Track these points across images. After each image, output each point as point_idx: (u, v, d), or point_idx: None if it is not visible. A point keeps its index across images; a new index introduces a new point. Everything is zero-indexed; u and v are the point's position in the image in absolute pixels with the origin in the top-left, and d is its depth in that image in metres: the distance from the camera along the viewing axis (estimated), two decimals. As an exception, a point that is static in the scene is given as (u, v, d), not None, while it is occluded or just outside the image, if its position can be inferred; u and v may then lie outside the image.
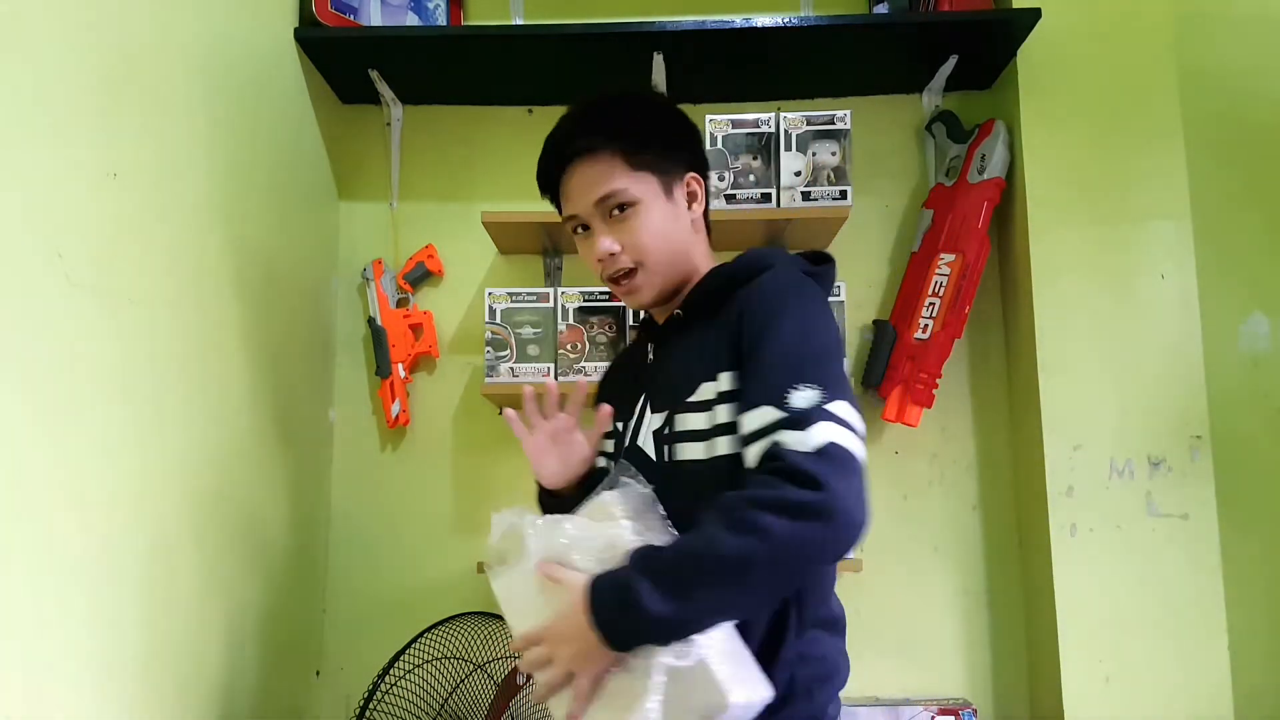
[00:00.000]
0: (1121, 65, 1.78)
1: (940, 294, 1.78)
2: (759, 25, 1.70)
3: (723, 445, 0.98)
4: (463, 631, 1.55)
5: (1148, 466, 1.69)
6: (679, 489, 0.99)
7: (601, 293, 1.75)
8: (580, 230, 1.10)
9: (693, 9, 1.90)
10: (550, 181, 1.13)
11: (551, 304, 1.75)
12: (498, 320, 1.75)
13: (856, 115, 1.78)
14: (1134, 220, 1.75)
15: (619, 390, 1.17)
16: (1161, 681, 1.63)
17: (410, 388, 1.90)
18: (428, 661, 1.46)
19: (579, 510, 0.99)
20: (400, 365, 1.86)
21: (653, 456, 1.05)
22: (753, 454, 0.89)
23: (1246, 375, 1.59)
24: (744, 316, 0.99)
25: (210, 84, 1.37)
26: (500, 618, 1.59)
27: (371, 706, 1.33)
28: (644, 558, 0.87)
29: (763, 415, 0.89)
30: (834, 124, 1.75)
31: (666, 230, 1.07)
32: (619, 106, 1.11)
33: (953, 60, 1.81)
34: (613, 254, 1.06)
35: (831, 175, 1.75)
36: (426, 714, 1.44)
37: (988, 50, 1.80)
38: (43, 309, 0.98)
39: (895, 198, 1.94)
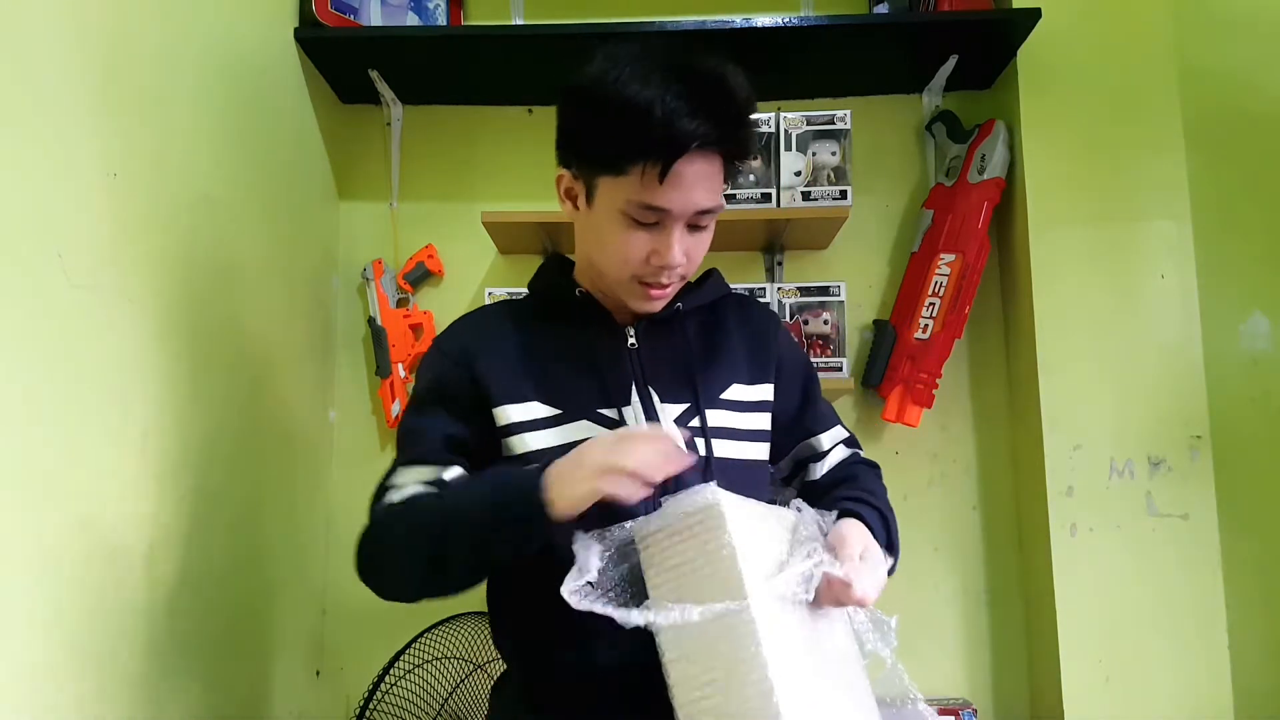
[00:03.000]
0: (1122, 65, 1.78)
1: (940, 294, 1.78)
2: (759, 25, 1.70)
3: (756, 450, 1.07)
4: (463, 631, 1.55)
5: (1148, 466, 1.69)
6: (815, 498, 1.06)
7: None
8: (639, 213, 0.92)
9: (693, 9, 1.90)
10: (663, 136, 0.86)
11: (551, 304, 1.75)
12: (498, 320, 1.74)
13: (856, 115, 1.78)
14: (1134, 220, 1.75)
15: (565, 370, 1.02)
16: (1161, 681, 1.63)
17: (410, 388, 1.90)
18: (428, 661, 1.47)
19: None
20: (400, 365, 1.86)
21: (682, 447, 1.02)
22: (837, 455, 1.14)
23: (1246, 375, 1.59)
24: (785, 351, 1.14)
25: (210, 84, 1.37)
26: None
27: (371, 706, 1.33)
28: (873, 505, 1.02)
29: (836, 433, 1.16)
30: (834, 124, 1.75)
31: None
32: (752, 105, 0.95)
33: (953, 60, 1.81)
34: (678, 265, 0.95)
35: (831, 175, 1.75)
36: (426, 714, 1.44)
37: (988, 50, 1.80)
38: (42, 309, 0.98)
39: (895, 198, 1.94)
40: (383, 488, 0.99)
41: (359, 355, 1.93)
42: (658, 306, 1.01)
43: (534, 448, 0.98)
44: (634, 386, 1.02)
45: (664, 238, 0.93)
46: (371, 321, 1.89)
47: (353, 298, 1.95)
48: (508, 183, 1.96)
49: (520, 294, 1.77)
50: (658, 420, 1.01)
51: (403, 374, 1.87)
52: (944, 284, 1.78)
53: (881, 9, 1.86)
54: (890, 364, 1.81)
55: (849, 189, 1.74)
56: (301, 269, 1.75)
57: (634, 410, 1.00)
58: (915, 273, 1.84)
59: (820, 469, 1.13)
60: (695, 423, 1.02)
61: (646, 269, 0.95)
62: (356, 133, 1.97)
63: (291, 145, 1.71)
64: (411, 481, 0.97)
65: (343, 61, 1.81)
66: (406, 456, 1.00)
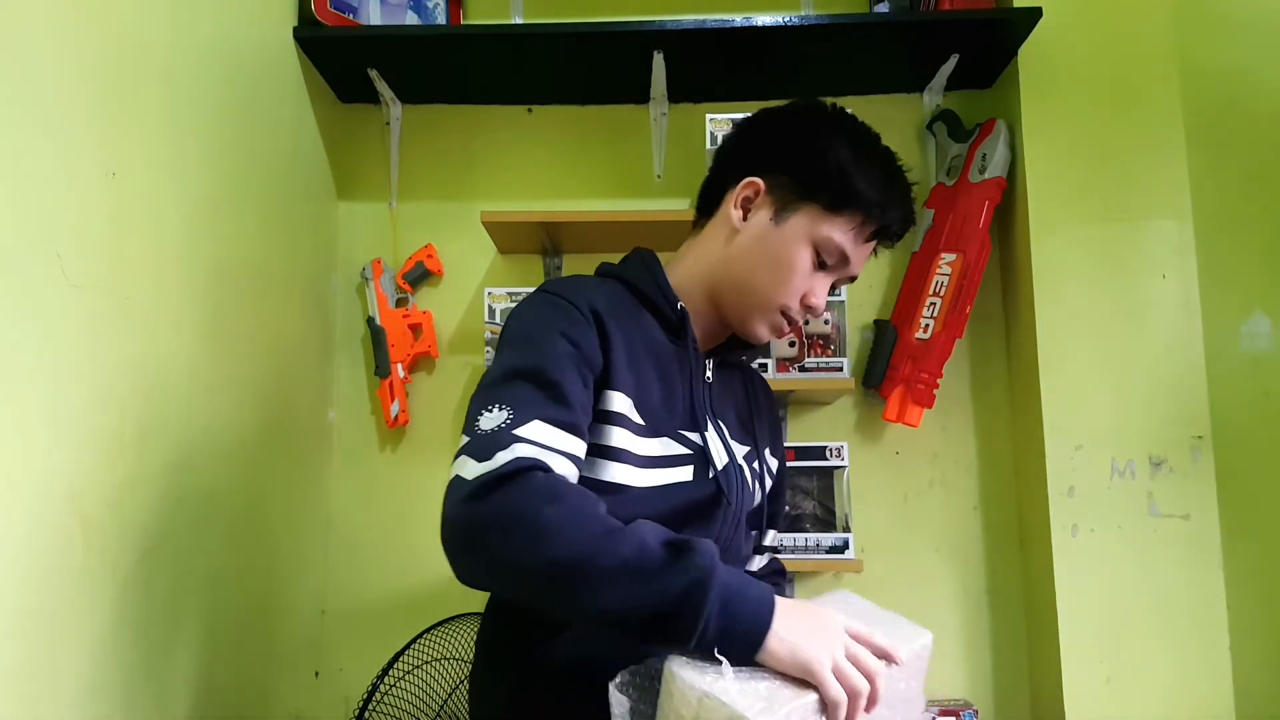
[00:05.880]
0: (1122, 64, 1.78)
1: (941, 294, 1.77)
2: (759, 24, 1.69)
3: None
4: (463, 632, 1.55)
5: (1149, 467, 1.69)
6: (738, 529, 1.05)
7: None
8: (821, 266, 1.00)
9: (693, 8, 1.89)
10: (900, 207, 1.00)
11: (551, 304, 1.74)
12: (497, 320, 1.74)
13: (857, 114, 1.77)
14: (1135, 220, 1.75)
15: (655, 378, 0.98)
16: (1162, 682, 1.63)
17: (409, 388, 1.90)
18: (427, 662, 1.46)
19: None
20: (399, 365, 1.86)
21: (738, 485, 1.04)
22: (763, 560, 1.17)
23: (1248, 375, 1.59)
24: (779, 432, 1.21)
25: (209, 83, 1.37)
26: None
27: (371, 707, 1.33)
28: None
29: (774, 536, 1.20)
30: (834, 123, 1.75)
31: None
32: None
33: (953, 59, 1.81)
34: (820, 312, 1.04)
35: (832, 175, 1.75)
36: (426, 715, 1.44)
37: (988, 49, 1.80)
38: (42, 309, 0.98)
39: (896, 197, 1.94)
40: (510, 432, 0.79)
41: (358, 355, 1.93)
42: (767, 338, 1.03)
43: (617, 445, 0.91)
44: (704, 415, 1.02)
45: (823, 284, 1.00)
46: (371, 321, 1.88)
47: (352, 297, 1.94)
48: (507, 182, 1.96)
49: (520, 293, 1.81)
50: (731, 450, 1.04)
51: (402, 374, 1.86)
52: (945, 284, 1.77)
53: (882, 8, 1.85)
54: (891, 364, 1.81)
55: (849, 189, 1.73)
56: (300, 269, 1.74)
57: (713, 438, 1.01)
58: (916, 272, 1.84)
59: (753, 564, 1.17)
60: (756, 465, 1.10)
61: (796, 303, 1.00)
62: (356, 132, 1.97)
63: (290, 145, 1.71)
64: (559, 447, 0.82)
65: (342, 61, 1.80)
66: (542, 410, 0.82)
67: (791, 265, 0.97)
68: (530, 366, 0.85)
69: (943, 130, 1.88)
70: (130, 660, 1.13)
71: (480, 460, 0.77)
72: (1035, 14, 1.68)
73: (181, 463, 1.26)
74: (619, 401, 0.92)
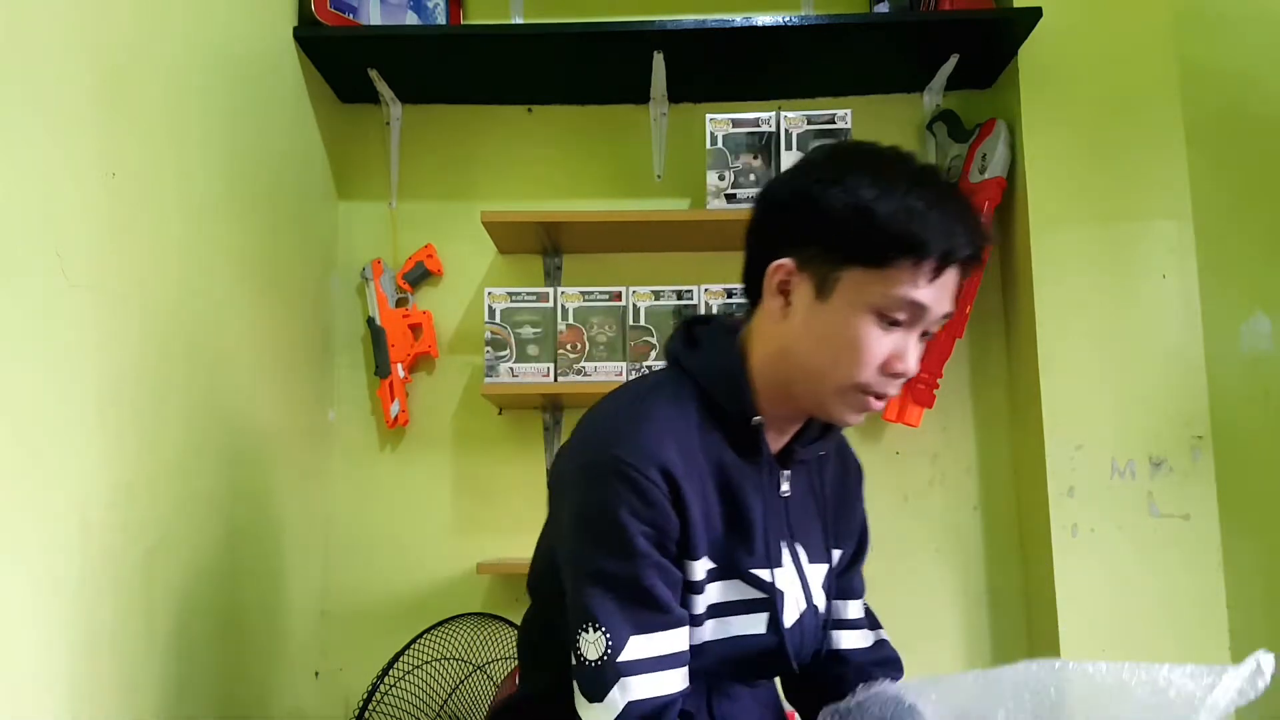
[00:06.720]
0: (1122, 65, 1.78)
1: (941, 294, 1.77)
2: (759, 24, 1.69)
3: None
4: (462, 632, 1.55)
5: (1149, 467, 1.69)
6: (839, 669, 1.02)
7: (601, 292, 1.75)
8: (893, 321, 0.84)
9: (693, 8, 1.89)
10: (943, 234, 0.82)
11: (551, 304, 1.74)
12: (497, 320, 1.74)
13: (857, 114, 1.78)
14: (1135, 220, 1.75)
15: (728, 512, 0.90)
16: (1163, 682, 1.62)
17: (409, 388, 1.90)
18: (427, 662, 1.46)
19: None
20: (399, 365, 1.86)
21: (812, 637, 0.97)
22: (864, 635, 1.06)
23: (1248, 375, 1.59)
24: (859, 506, 1.06)
25: (209, 83, 1.37)
26: (499, 618, 1.59)
27: (371, 707, 1.33)
28: None
29: (861, 607, 1.08)
30: (834, 123, 1.75)
31: None
32: None
33: (953, 59, 1.81)
34: (913, 372, 0.86)
35: (832, 175, 1.75)
36: (426, 715, 1.44)
37: (988, 50, 1.80)
38: (42, 309, 0.98)
39: (896, 197, 1.94)
40: (614, 662, 0.81)
41: (358, 355, 1.93)
42: (855, 421, 0.90)
43: (691, 612, 0.87)
44: (784, 544, 0.94)
45: (906, 340, 0.85)
46: (371, 321, 1.88)
47: (352, 297, 1.94)
48: (507, 182, 1.96)
49: (520, 293, 1.80)
50: (807, 583, 0.95)
51: (402, 374, 1.86)
52: (945, 284, 1.77)
53: (882, 8, 1.85)
54: (891, 364, 1.81)
55: (849, 189, 1.73)
56: (300, 268, 1.74)
57: (787, 574, 0.93)
58: (916, 272, 1.84)
59: (856, 633, 1.06)
60: (824, 582, 1.00)
61: (877, 376, 0.85)
62: (356, 132, 1.97)
63: (290, 144, 1.71)
64: (663, 653, 0.83)
65: (342, 61, 1.80)
66: (638, 622, 0.82)
67: (854, 342, 0.84)
68: (616, 572, 0.83)
69: (943, 130, 1.88)
70: (131, 660, 1.13)
71: (593, 700, 0.81)
72: (1035, 14, 1.68)
73: (182, 463, 1.26)
74: (699, 569, 0.87)
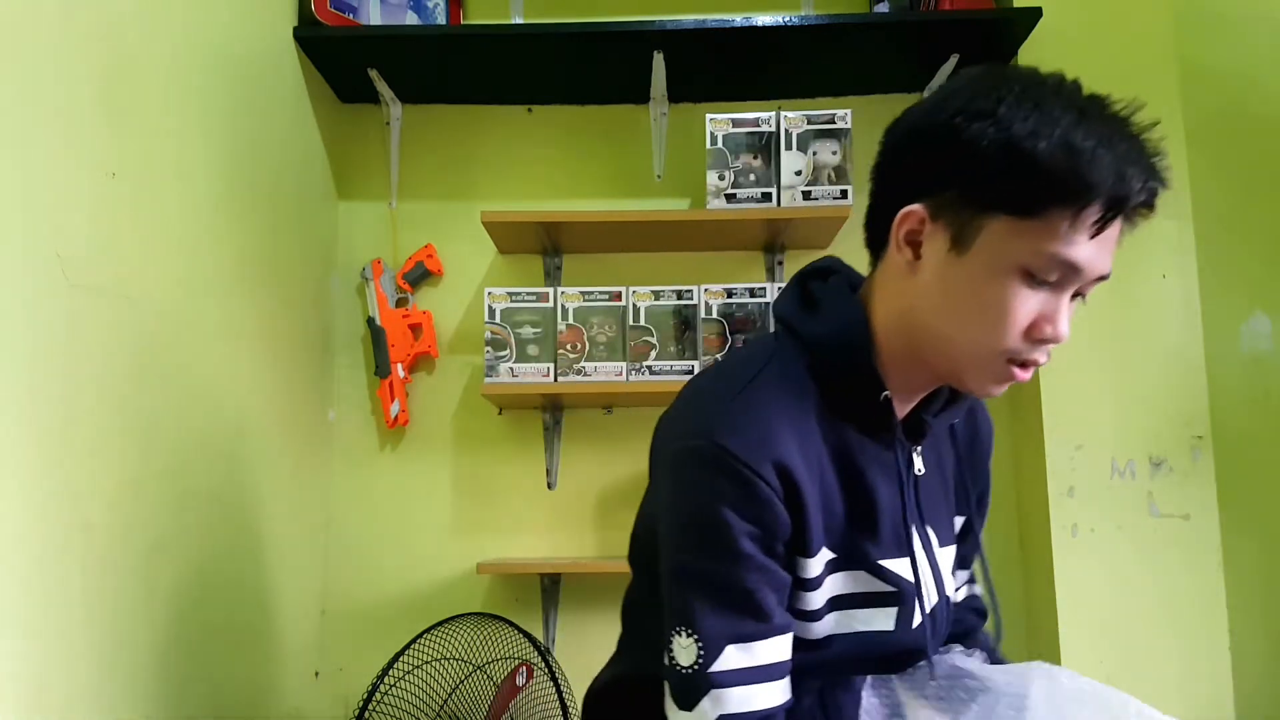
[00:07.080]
0: (1122, 65, 1.78)
1: (941, 294, 1.77)
2: (759, 24, 1.69)
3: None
4: (462, 632, 1.55)
5: (1149, 467, 1.69)
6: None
7: (601, 292, 1.75)
8: (1045, 268, 0.72)
9: (693, 8, 1.89)
10: (1115, 182, 0.70)
11: (551, 304, 1.74)
12: (497, 320, 1.74)
13: (857, 114, 1.77)
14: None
15: (853, 501, 0.82)
16: (1162, 681, 1.62)
17: (409, 388, 1.90)
18: (427, 662, 1.46)
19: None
20: (399, 365, 1.86)
21: (944, 627, 0.93)
22: (970, 591, 1.06)
23: (1248, 375, 1.59)
24: (983, 462, 1.01)
25: (209, 83, 1.37)
26: (499, 618, 1.59)
27: (371, 707, 1.33)
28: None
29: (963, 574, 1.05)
30: (835, 123, 1.75)
31: None
32: None
33: (953, 59, 1.81)
34: (1064, 338, 0.75)
35: (832, 174, 1.75)
36: (426, 715, 1.44)
37: (988, 50, 1.79)
38: (42, 309, 0.98)
39: (896, 197, 1.94)
40: (706, 673, 0.75)
41: (358, 355, 1.93)
42: (998, 392, 0.79)
43: (807, 608, 0.81)
44: (914, 528, 0.85)
45: (1058, 301, 0.73)
46: (371, 321, 1.88)
47: (352, 297, 1.94)
48: (507, 182, 1.96)
49: (520, 293, 1.80)
50: (939, 571, 0.89)
51: (402, 374, 1.86)
52: (945, 284, 1.77)
53: (882, 8, 1.85)
54: (891, 364, 1.81)
55: (850, 188, 1.73)
56: (301, 269, 1.74)
57: (919, 564, 0.85)
58: (916, 272, 1.84)
59: (961, 588, 1.06)
60: (954, 565, 0.96)
61: (1022, 342, 0.74)
62: (356, 132, 1.97)
63: (290, 144, 1.71)
64: (760, 663, 0.76)
65: (342, 61, 1.80)
66: (735, 631, 0.75)
67: (996, 303, 0.72)
68: (715, 574, 0.75)
69: (943, 130, 1.88)
70: (131, 660, 1.13)
71: (682, 707, 0.76)
72: (1035, 14, 1.68)
73: (182, 463, 1.26)
74: (815, 565, 0.79)
